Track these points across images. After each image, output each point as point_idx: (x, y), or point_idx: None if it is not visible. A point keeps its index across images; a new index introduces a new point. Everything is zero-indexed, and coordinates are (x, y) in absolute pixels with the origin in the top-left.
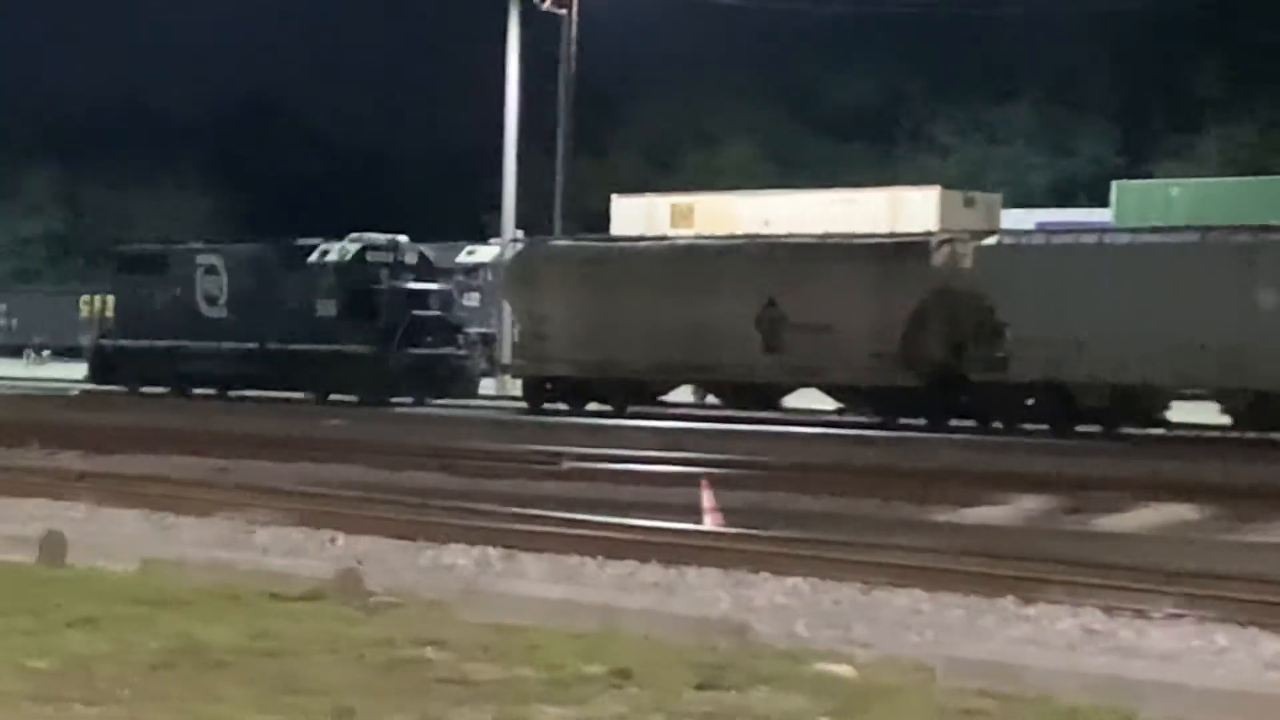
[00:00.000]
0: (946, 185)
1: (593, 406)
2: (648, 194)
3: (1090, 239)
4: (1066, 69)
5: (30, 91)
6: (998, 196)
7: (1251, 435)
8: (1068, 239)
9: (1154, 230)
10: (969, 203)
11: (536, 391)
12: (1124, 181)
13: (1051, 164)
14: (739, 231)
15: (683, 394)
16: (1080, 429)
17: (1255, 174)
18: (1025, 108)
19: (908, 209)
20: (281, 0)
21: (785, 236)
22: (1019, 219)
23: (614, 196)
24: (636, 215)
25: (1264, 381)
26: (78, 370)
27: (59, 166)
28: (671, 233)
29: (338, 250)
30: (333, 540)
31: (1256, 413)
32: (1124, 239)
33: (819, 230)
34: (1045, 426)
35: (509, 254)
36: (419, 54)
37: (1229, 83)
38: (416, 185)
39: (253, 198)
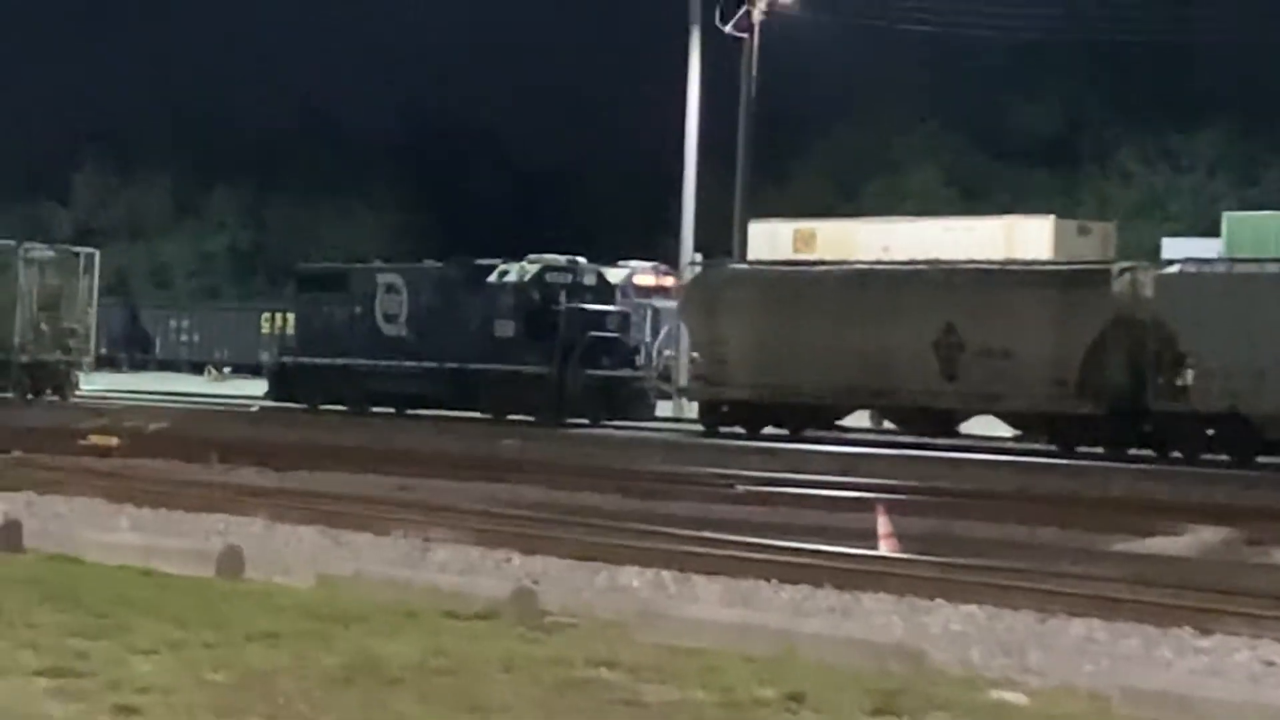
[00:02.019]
0: (1127, 214)
1: (768, 430)
2: (773, 219)
3: (1274, 268)
4: (1257, 97)
5: (219, 107)
6: (1113, 225)
7: None
8: (1251, 268)
9: None
10: (1084, 231)
11: (713, 414)
12: (1235, 214)
13: (1236, 193)
14: (858, 257)
15: (859, 419)
16: (1261, 460)
17: None
18: (1212, 136)
19: (1022, 236)
20: (472, 19)
21: (965, 262)
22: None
23: (751, 222)
24: (761, 240)
25: None
26: (258, 387)
27: (245, 183)
28: (795, 258)
29: (517, 271)
30: (508, 560)
31: None
32: None
33: (995, 258)
34: (1225, 457)
35: (687, 277)
36: (606, 76)
37: None
38: (599, 207)
39: (439, 217)
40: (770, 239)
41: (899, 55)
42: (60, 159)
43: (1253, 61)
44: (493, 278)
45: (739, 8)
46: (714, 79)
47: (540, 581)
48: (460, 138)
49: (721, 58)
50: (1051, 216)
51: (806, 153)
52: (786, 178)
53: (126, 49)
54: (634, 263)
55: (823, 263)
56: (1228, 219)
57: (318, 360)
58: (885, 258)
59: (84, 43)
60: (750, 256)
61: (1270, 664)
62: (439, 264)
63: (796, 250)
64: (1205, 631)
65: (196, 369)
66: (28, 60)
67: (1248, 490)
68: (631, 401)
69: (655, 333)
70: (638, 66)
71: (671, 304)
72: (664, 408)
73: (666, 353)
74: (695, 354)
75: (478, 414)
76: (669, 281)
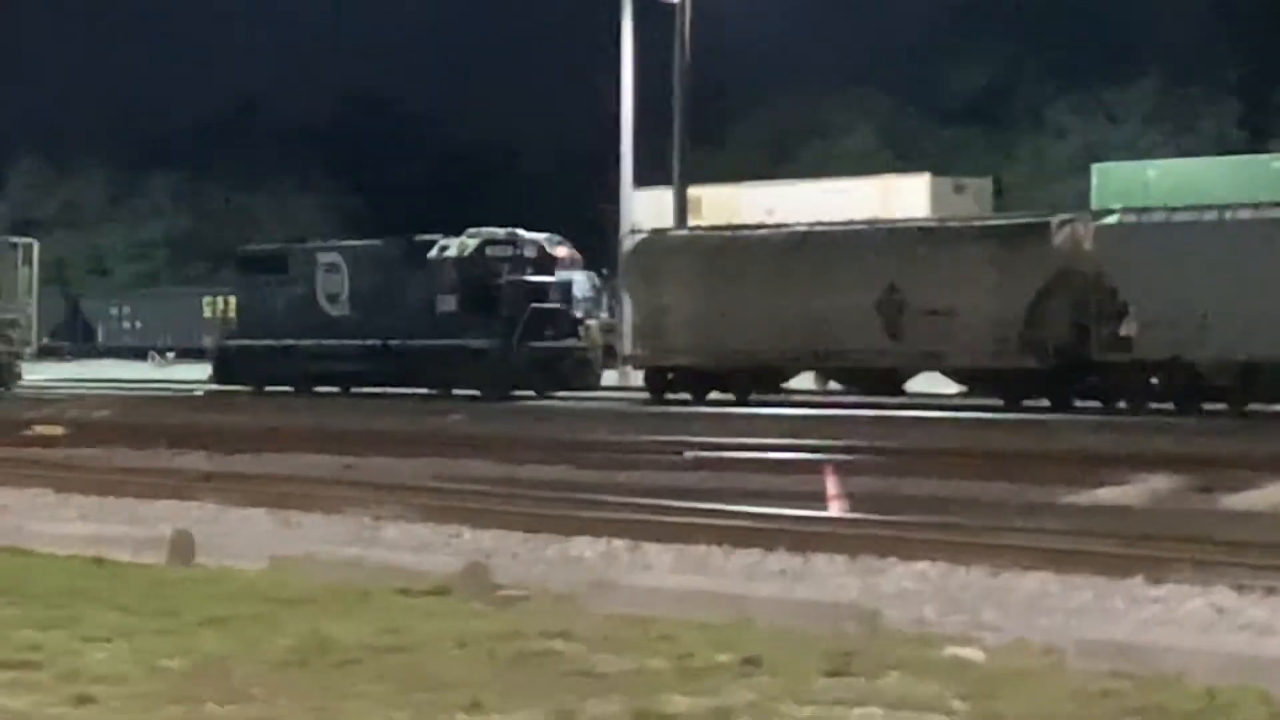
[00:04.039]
0: (1060, 167)
1: (715, 395)
2: (657, 187)
3: (1211, 215)
4: (1188, 47)
5: (152, 94)
6: (988, 181)
7: None
8: (1188, 216)
9: (1276, 204)
10: (959, 189)
11: (659, 382)
12: (1104, 164)
13: (1172, 142)
14: (742, 221)
15: (805, 381)
16: (1207, 407)
17: None
18: (1145, 87)
19: (898, 198)
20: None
21: (905, 221)
22: None
23: (635, 190)
24: (648, 208)
25: None
26: (203, 371)
27: (180, 169)
28: (734, 223)
29: (457, 245)
30: (458, 535)
31: None
32: (1246, 214)
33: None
34: (1171, 406)
35: (627, 246)
36: (536, 48)
37: None
38: (535, 181)
39: (374, 196)
40: (656, 206)
41: (833, 18)
42: None
43: (1181, 12)
44: (433, 253)
45: None
46: (649, 49)
47: (492, 556)
48: (393, 118)
49: (656, 27)
50: (927, 175)
51: (743, 119)
52: (723, 144)
53: (58, 39)
54: (533, 234)
55: (763, 226)
56: (1096, 170)
57: (261, 342)
58: (769, 220)
59: (14, 34)
60: (633, 225)
61: (1222, 610)
62: (379, 241)
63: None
64: (1157, 581)
65: (140, 356)
66: None
67: (1195, 438)
68: (576, 372)
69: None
70: (572, 38)
71: (576, 274)
72: (609, 377)
73: (589, 322)
74: (638, 321)
75: (423, 390)
76: (564, 252)
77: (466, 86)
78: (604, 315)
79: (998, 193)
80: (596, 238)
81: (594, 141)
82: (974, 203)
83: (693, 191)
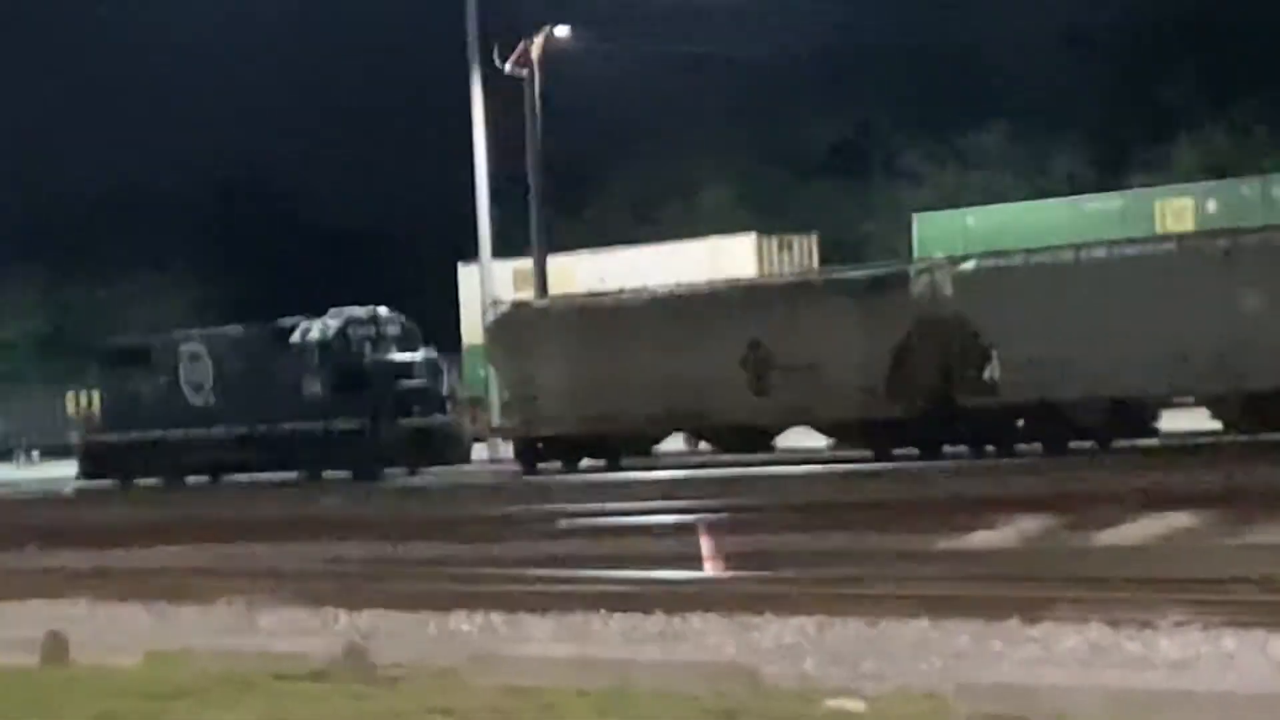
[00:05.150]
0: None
1: (587, 463)
2: (495, 259)
3: (1068, 255)
4: (1038, 89)
5: (6, 189)
6: (814, 236)
7: (1244, 438)
8: (1046, 256)
9: (1131, 242)
10: (785, 246)
11: (529, 452)
12: (924, 214)
13: (1027, 183)
14: (580, 290)
15: (676, 443)
16: (1074, 446)
17: (1228, 178)
18: (997, 131)
19: (727, 258)
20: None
21: (766, 278)
22: None
23: (460, 264)
24: (473, 282)
25: (1252, 383)
26: (70, 468)
27: (41, 267)
28: (516, 298)
29: (319, 327)
30: (335, 618)
31: (1247, 415)
32: (1100, 252)
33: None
34: (1039, 447)
35: (490, 318)
36: (399, 125)
37: (1201, 91)
38: (399, 257)
39: (239, 282)
40: (487, 280)
41: (688, 79)
42: None
43: (1032, 54)
44: (296, 336)
45: (516, 46)
46: (506, 118)
47: (370, 636)
48: (253, 202)
49: (511, 99)
50: (753, 234)
51: (604, 183)
52: (581, 210)
53: None
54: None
55: (624, 291)
56: (917, 219)
57: (127, 436)
58: (601, 288)
59: None
60: (462, 300)
61: (1099, 646)
62: (241, 327)
63: (517, 289)
64: (1033, 621)
65: (4, 456)
66: None
67: (1063, 477)
68: (447, 447)
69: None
70: (431, 113)
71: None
72: (480, 450)
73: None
74: (506, 393)
75: (294, 474)
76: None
77: (330, 167)
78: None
79: (836, 245)
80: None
81: (457, 213)
82: (802, 259)
83: (524, 264)
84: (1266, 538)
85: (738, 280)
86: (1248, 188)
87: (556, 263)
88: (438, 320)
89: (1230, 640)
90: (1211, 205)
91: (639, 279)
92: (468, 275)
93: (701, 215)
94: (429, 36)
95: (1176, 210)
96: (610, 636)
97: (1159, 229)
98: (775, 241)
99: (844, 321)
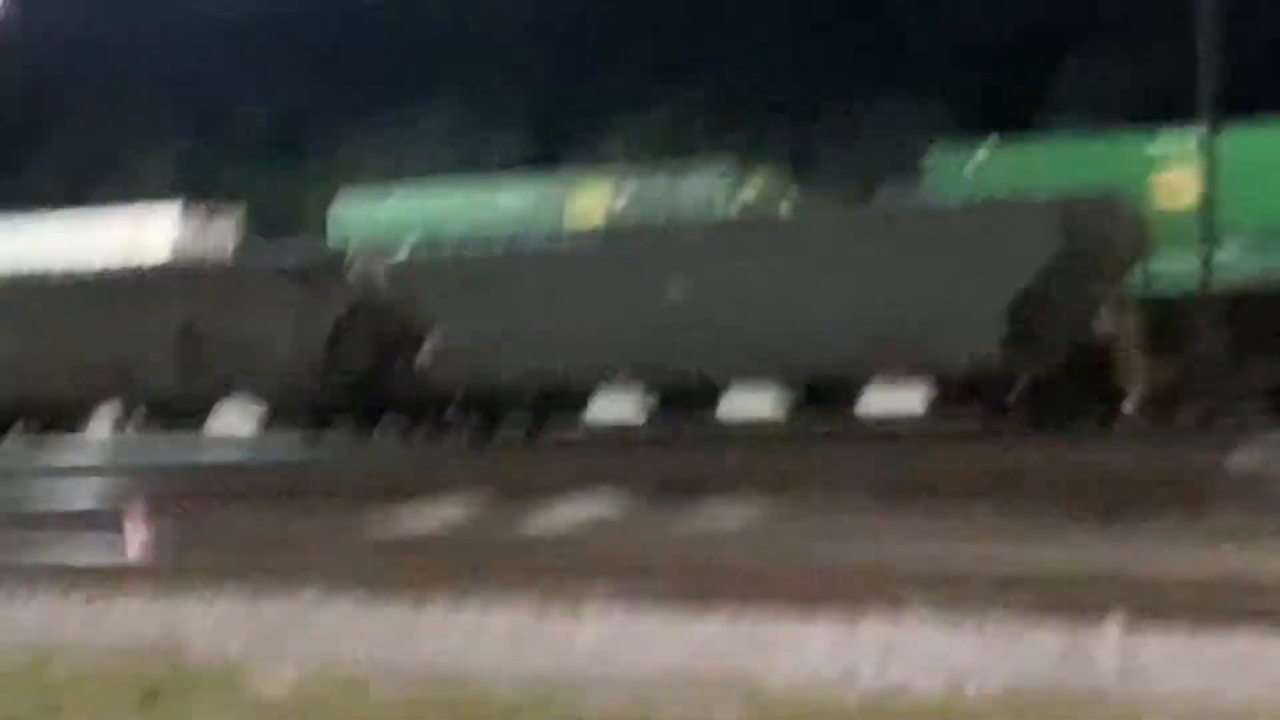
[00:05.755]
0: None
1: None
2: None
3: (500, 245)
4: (484, 68)
5: None
6: (240, 210)
7: (668, 428)
8: (478, 248)
9: (559, 235)
10: (212, 215)
11: None
12: (348, 195)
13: (470, 161)
14: None
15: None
16: (506, 433)
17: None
18: (441, 106)
19: (152, 230)
20: None
21: (203, 261)
22: None
23: None
24: None
25: (678, 379)
26: None
27: None
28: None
29: None
30: None
31: (669, 405)
32: (534, 244)
33: (230, 255)
34: (471, 432)
35: None
36: None
37: (643, 78)
38: None
39: None
40: None
41: (125, 47)
42: None
43: (480, 31)
44: None
45: None
46: None
47: None
48: None
49: None
50: (178, 204)
51: (40, 147)
52: (17, 173)
53: None
54: None
55: (41, 273)
56: (339, 201)
57: None
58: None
59: None
60: None
61: (525, 630)
62: None
63: None
64: (459, 606)
65: None
66: None
67: (494, 462)
68: None
69: None
70: None
71: None
72: None
73: None
74: None
75: None
76: None
77: None
78: None
79: (268, 221)
80: None
81: None
82: (228, 234)
83: None
84: (691, 524)
85: (172, 262)
86: (664, 180)
87: None
88: None
89: (653, 622)
90: (626, 197)
91: (51, 252)
92: None
93: (141, 188)
94: None
95: (592, 201)
96: (28, 620)
97: (579, 219)
98: (201, 213)
99: (279, 305)
